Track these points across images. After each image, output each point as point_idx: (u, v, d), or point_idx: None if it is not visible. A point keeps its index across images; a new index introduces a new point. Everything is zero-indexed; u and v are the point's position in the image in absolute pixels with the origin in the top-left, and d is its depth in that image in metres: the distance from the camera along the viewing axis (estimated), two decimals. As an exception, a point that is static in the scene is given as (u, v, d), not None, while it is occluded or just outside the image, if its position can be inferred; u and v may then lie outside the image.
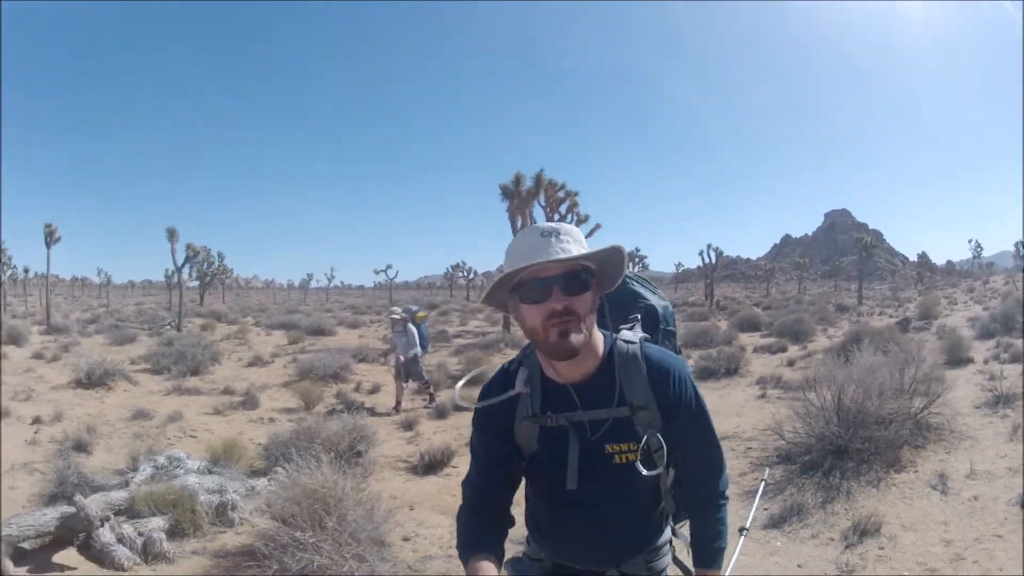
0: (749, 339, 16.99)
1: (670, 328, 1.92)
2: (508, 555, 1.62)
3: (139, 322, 26.72)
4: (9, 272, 42.78)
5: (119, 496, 5.46)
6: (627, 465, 1.53)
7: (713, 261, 46.20)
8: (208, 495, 5.57)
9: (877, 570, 3.82)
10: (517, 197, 22.66)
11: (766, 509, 4.91)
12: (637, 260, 59.50)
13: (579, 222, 25.24)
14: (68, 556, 4.78)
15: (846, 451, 5.40)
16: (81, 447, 7.63)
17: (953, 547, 3.99)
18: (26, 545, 4.62)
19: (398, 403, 10.03)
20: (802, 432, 5.81)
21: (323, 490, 4.37)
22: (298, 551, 4.02)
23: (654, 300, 1.90)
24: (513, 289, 1.51)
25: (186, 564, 4.68)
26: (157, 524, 5.05)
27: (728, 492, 1.67)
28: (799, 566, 3.95)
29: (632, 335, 1.62)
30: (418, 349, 10.02)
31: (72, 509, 4.85)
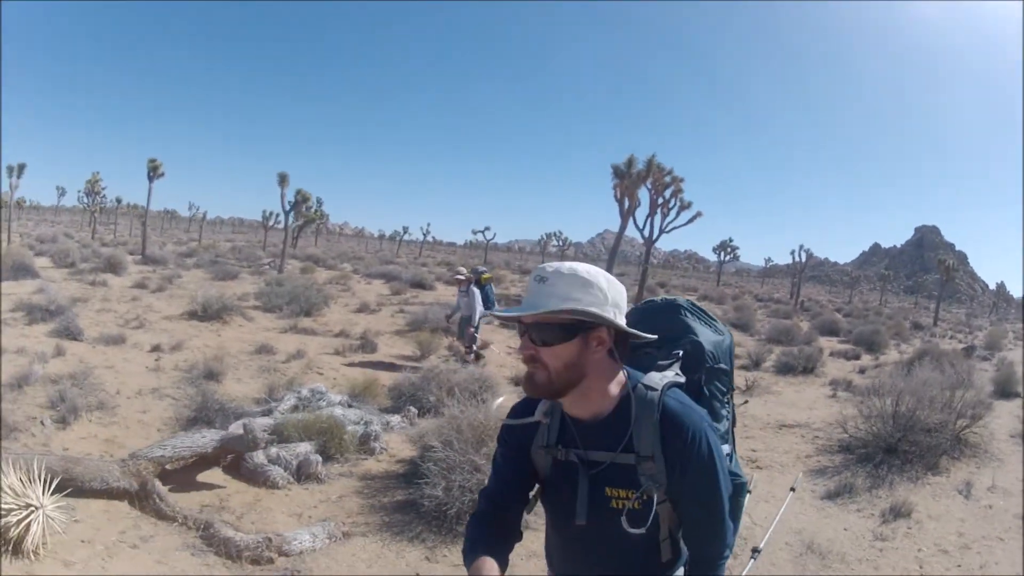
0: (827, 342, 17.51)
1: (720, 366, 1.79)
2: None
3: (236, 259, 27.18)
4: (98, 200, 44.39)
5: (264, 422, 5.63)
6: (622, 511, 1.48)
7: (803, 261, 44.23)
8: (353, 426, 5.90)
9: (903, 543, 4.84)
10: (628, 178, 22.84)
11: (825, 486, 5.90)
12: (729, 251, 57.70)
13: (683, 207, 24.91)
14: (212, 475, 4.94)
15: (895, 450, 6.43)
16: (211, 376, 7.42)
17: (964, 539, 4.97)
18: (169, 466, 4.73)
19: (477, 356, 10.02)
20: (863, 429, 6.83)
21: (485, 423, 4.76)
22: (465, 472, 4.39)
23: (703, 336, 1.78)
24: None
25: (336, 485, 5.03)
26: (305, 449, 5.26)
27: (728, 552, 1.59)
28: (844, 529, 5.06)
29: (658, 380, 1.53)
30: (478, 312, 9.72)
31: (238, 432, 5.02)
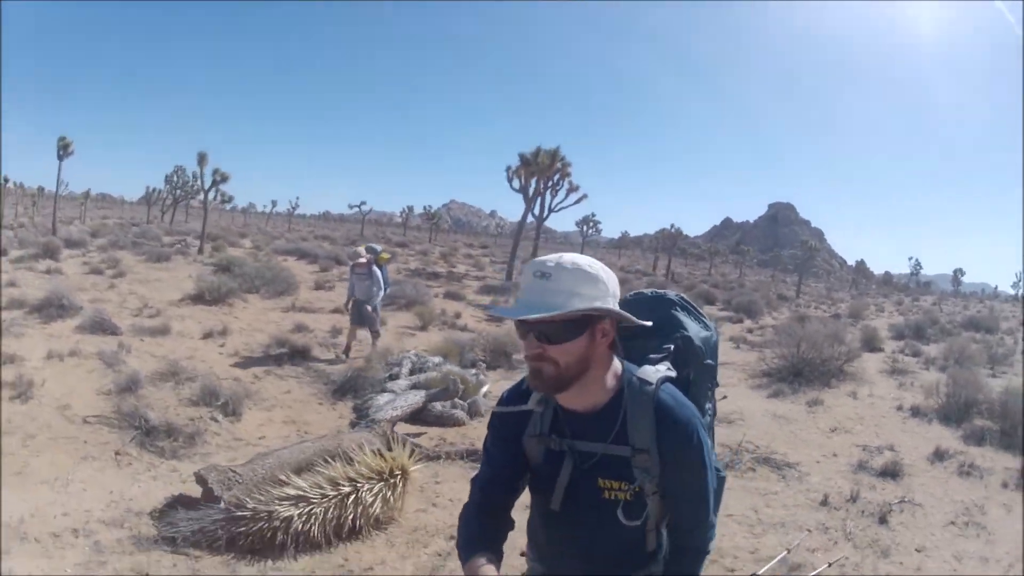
0: (709, 309, 20.64)
1: (708, 362, 1.80)
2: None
3: (147, 239, 25.41)
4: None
5: (403, 384, 7.03)
6: (615, 502, 1.56)
7: (673, 233, 48.99)
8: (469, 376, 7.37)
9: (824, 416, 8.03)
10: (534, 165, 25.37)
11: (766, 392, 9.21)
12: (591, 225, 61.97)
13: (571, 190, 27.86)
14: (406, 428, 6.06)
15: (801, 374, 9.65)
16: (300, 352, 8.06)
17: (860, 415, 8.20)
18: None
19: (348, 348, 9.35)
20: (776, 363, 10.08)
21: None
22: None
23: (692, 331, 1.79)
24: None
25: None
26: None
27: (710, 546, 1.70)
28: (788, 409, 8.27)
29: (652, 374, 1.58)
30: (383, 293, 9.45)
31: (441, 387, 6.51)
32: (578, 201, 28.15)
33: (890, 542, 4.63)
